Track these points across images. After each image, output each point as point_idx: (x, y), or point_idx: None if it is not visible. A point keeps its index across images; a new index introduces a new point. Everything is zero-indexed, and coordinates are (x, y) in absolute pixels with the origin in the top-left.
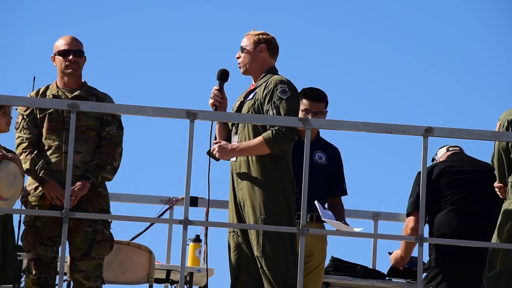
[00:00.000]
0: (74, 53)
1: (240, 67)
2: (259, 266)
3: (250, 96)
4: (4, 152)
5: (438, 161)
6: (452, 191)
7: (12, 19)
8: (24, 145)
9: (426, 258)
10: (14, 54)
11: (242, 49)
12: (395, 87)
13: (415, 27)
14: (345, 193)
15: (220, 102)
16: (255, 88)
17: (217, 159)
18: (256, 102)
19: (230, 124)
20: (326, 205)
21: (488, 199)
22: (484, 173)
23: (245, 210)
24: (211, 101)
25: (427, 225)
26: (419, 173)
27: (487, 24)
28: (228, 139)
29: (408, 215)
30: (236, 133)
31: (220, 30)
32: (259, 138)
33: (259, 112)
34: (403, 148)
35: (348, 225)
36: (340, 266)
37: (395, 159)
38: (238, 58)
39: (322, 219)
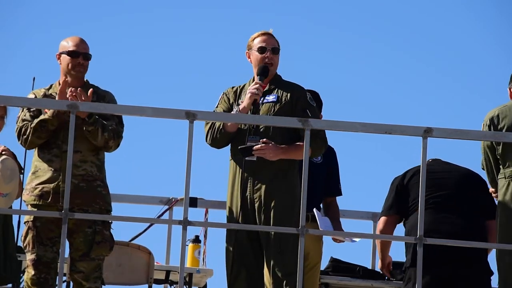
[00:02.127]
0: (84, 56)
1: (272, 68)
2: (270, 267)
3: (271, 98)
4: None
5: None
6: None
7: (12, 19)
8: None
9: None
10: (14, 54)
11: (277, 51)
12: (395, 87)
13: (415, 27)
14: (340, 194)
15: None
16: (270, 90)
17: (248, 155)
18: (283, 105)
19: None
20: (321, 205)
21: (461, 199)
22: (457, 174)
23: (262, 210)
24: (254, 96)
25: (401, 226)
26: (395, 178)
27: (487, 24)
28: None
29: (380, 217)
30: (256, 133)
31: (220, 31)
32: None
33: (287, 114)
34: (402, 149)
35: (343, 230)
36: (339, 267)
37: (394, 159)
38: (271, 58)
39: (320, 229)
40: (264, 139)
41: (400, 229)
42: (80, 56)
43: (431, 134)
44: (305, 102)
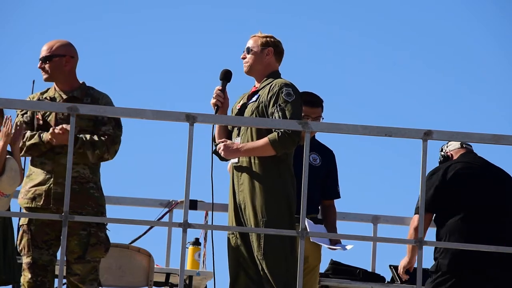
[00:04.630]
0: (41, 60)
1: (244, 67)
2: (260, 269)
3: (254, 99)
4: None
5: (448, 153)
6: (467, 196)
7: (11, 21)
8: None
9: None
10: (14, 53)
11: (249, 50)
12: (395, 88)
13: (415, 27)
14: (338, 196)
15: (222, 102)
16: (257, 90)
17: (223, 159)
18: (260, 105)
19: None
20: (319, 208)
21: (498, 206)
22: (493, 178)
23: (245, 213)
24: (213, 100)
25: (433, 227)
26: (433, 175)
27: (487, 24)
28: (228, 139)
29: (415, 213)
30: (238, 134)
31: (220, 30)
32: (265, 140)
33: (263, 115)
34: (402, 151)
35: (339, 241)
36: (340, 269)
37: (394, 161)
38: (244, 58)
39: (311, 240)
40: (222, 139)
41: (400, 232)
42: (39, 62)
43: (431, 137)
44: (277, 97)
